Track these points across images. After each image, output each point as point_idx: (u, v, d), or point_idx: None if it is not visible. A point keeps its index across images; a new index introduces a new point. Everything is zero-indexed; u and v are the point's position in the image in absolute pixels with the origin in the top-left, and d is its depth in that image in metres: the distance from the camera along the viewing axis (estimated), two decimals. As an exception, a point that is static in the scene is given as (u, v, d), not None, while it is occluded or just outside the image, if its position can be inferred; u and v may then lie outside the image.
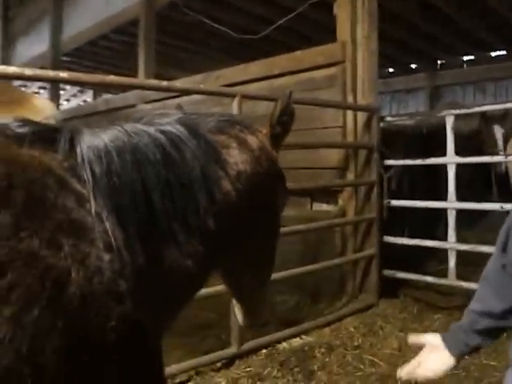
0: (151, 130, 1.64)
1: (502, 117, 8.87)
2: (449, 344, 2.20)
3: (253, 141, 1.99)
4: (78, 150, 1.45)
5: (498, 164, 8.58)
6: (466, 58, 13.13)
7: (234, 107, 4.57)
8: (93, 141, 1.49)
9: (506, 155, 6.23)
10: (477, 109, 6.97)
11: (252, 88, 6.75)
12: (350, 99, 6.14)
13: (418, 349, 2.28)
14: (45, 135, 1.45)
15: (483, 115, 8.67)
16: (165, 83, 4.42)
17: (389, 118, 7.00)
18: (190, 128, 1.74)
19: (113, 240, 1.35)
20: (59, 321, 1.20)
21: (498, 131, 8.79)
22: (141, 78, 9.66)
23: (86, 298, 1.25)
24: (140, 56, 10.55)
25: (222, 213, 1.75)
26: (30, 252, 1.20)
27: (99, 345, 1.28)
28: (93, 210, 1.35)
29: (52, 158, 1.40)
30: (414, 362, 2.22)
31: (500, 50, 12.19)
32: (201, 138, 1.74)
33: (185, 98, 7.71)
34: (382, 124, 6.43)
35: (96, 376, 1.31)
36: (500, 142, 8.68)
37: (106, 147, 1.49)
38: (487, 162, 8.06)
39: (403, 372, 2.22)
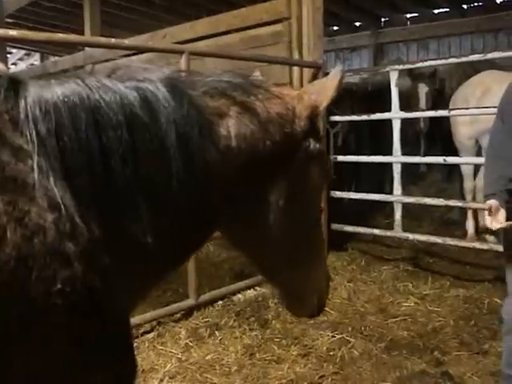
0: (120, 86, 1.44)
1: (430, 75, 9.07)
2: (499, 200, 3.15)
3: (268, 110, 1.70)
4: (22, 102, 1.30)
5: (420, 121, 8.81)
6: (409, 15, 13.24)
7: (182, 65, 4.58)
8: (41, 93, 1.34)
9: (450, 110, 6.40)
10: (419, 64, 7.11)
11: (199, 46, 6.74)
12: (295, 56, 6.19)
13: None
14: None
15: (411, 73, 8.83)
16: (113, 40, 4.43)
17: (334, 74, 7.09)
18: (174, 88, 1.52)
19: (59, 199, 1.24)
20: None
21: (423, 89, 8.98)
22: (87, 36, 9.48)
23: (26, 259, 1.17)
24: (85, 16, 10.30)
25: (207, 189, 1.58)
26: None
27: (44, 310, 1.20)
28: (35, 166, 1.24)
29: None
30: (488, 219, 3.18)
31: (443, 7, 12.33)
32: (184, 100, 1.52)
33: (133, 58, 7.65)
34: (327, 81, 6.50)
35: (43, 344, 1.23)
36: (423, 101, 8.88)
37: (56, 101, 1.33)
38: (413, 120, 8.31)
39: (486, 224, 3.26)
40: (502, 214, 3.12)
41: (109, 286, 1.31)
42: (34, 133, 1.26)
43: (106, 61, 8.26)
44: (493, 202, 3.16)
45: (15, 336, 1.18)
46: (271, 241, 1.84)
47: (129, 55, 7.32)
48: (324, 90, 1.81)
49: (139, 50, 5.92)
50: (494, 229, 3.21)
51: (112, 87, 1.43)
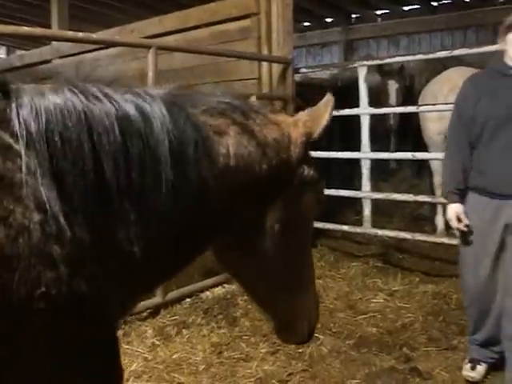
0: (117, 96, 1.46)
1: (399, 71, 9.12)
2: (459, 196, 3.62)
3: (265, 134, 1.75)
4: (13, 103, 1.30)
5: (390, 118, 8.86)
6: (379, 12, 13.31)
7: (150, 59, 4.52)
8: (33, 96, 1.34)
9: (418, 106, 6.44)
10: (388, 60, 7.13)
11: (167, 41, 6.68)
12: (264, 51, 6.16)
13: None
14: None
15: (380, 70, 8.86)
16: (80, 34, 4.35)
17: (303, 70, 7.09)
18: (172, 103, 1.55)
19: (46, 201, 1.22)
20: None
21: (393, 86, 9.03)
22: (54, 29, 9.35)
23: (10, 260, 1.16)
24: (53, 10, 10.15)
25: (202, 203, 1.58)
26: None
27: (27, 312, 1.19)
28: (23, 167, 1.22)
29: None
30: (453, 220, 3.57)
31: (413, 4, 12.41)
32: (181, 115, 1.54)
33: (102, 52, 7.56)
34: (297, 77, 6.50)
35: (28, 347, 1.22)
36: (393, 97, 8.92)
37: (48, 104, 1.33)
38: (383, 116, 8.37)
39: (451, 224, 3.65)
40: (463, 215, 3.55)
41: (96, 291, 1.29)
42: (24, 133, 1.25)
43: (74, 55, 8.15)
44: (457, 208, 3.58)
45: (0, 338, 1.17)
46: (263, 264, 1.86)
47: (97, 50, 7.21)
48: (317, 118, 1.87)
49: (106, 45, 5.85)
50: (459, 228, 3.58)
51: (110, 95, 1.44)
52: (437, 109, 5.83)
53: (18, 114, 1.28)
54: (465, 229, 3.56)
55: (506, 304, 3.60)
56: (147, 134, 1.44)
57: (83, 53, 7.77)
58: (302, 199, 1.89)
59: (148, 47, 4.58)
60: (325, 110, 1.88)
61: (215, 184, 1.58)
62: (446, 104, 5.25)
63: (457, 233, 3.87)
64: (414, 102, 7.13)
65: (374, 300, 5.10)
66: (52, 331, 1.23)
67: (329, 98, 1.93)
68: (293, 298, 2.00)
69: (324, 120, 1.86)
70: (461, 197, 3.62)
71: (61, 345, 1.26)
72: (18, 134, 1.25)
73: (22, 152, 1.23)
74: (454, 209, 3.59)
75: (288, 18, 6.17)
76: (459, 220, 3.56)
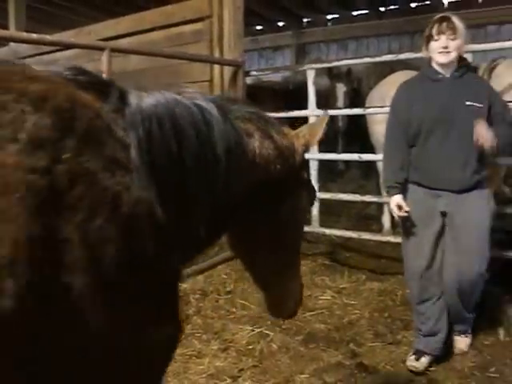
0: (186, 101, 1.74)
1: (346, 74, 9.30)
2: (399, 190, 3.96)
3: (280, 141, 2.11)
4: (126, 107, 1.58)
5: (338, 120, 9.05)
6: (330, 16, 13.48)
7: (104, 61, 4.55)
8: (140, 101, 1.62)
9: (365, 108, 6.61)
10: (336, 63, 7.30)
11: (123, 43, 6.69)
12: (216, 53, 6.24)
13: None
14: (98, 87, 1.59)
15: (329, 73, 9.02)
16: (35, 36, 4.33)
17: (254, 73, 7.21)
18: (219, 108, 1.83)
19: (147, 184, 1.51)
20: (115, 234, 1.36)
21: (341, 89, 9.20)
22: (11, 30, 9.19)
23: (133, 220, 1.42)
24: (10, 11, 9.96)
25: (236, 193, 1.92)
26: (92, 172, 1.34)
27: (139, 262, 1.45)
28: (134, 157, 1.50)
29: (101, 106, 1.52)
30: (394, 209, 3.90)
31: (361, 9, 12.63)
32: (227, 119, 1.85)
33: (58, 54, 7.48)
34: (249, 79, 6.61)
35: (135, 289, 1.46)
36: (341, 100, 9.10)
37: (150, 109, 1.61)
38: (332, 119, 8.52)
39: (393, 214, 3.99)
40: (403, 203, 3.87)
41: (169, 253, 1.58)
42: (133, 128, 1.54)
43: (30, 56, 8.05)
44: (397, 199, 3.90)
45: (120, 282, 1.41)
46: (265, 249, 2.23)
47: (53, 52, 7.16)
48: (313, 132, 2.29)
49: (61, 46, 5.83)
50: (401, 216, 3.90)
51: (182, 101, 1.73)
52: (383, 111, 5.97)
53: (131, 114, 1.57)
54: (406, 214, 3.86)
55: (446, 289, 4.08)
56: (209, 136, 1.75)
57: (40, 54, 7.69)
58: (300, 196, 2.28)
59: (102, 49, 4.60)
60: (320, 126, 2.31)
61: (246, 176, 1.94)
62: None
63: (399, 222, 4.16)
64: (362, 105, 7.29)
65: (322, 297, 5.24)
66: (143, 285, 1.48)
67: (323, 118, 2.39)
68: (286, 280, 2.41)
69: (319, 134, 2.28)
70: (401, 190, 3.95)
71: (138, 298, 1.49)
72: (130, 132, 1.53)
73: (132, 146, 1.51)
74: (395, 199, 3.91)
75: (239, 21, 6.26)
76: (400, 208, 3.86)
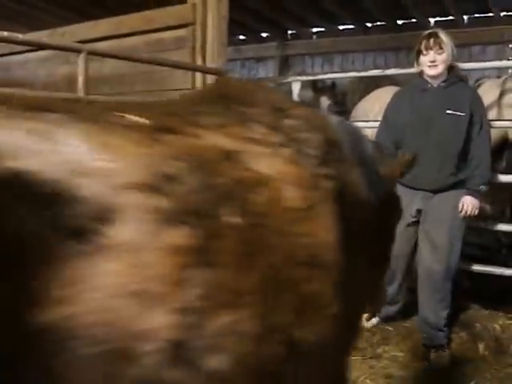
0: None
1: (330, 88, 9.26)
2: None
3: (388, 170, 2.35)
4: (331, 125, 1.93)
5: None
6: (315, 29, 13.42)
7: (80, 64, 4.39)
8: (336, 120, 2.03)
9: (350, 122, 6.55)
10: (320, 76, 7.23)
11: (100, 46, 6.51)
12: (198, 61, 6.10)
13: None
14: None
15: (314, 86, 8.97)
16: (5, 33, 4.13)
17: (238, 83, 7.08)
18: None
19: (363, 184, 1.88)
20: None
21: (325, 102, 9.16)
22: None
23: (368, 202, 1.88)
24: (-22, 9, 9.80)
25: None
26: (336, 175, 1.64)
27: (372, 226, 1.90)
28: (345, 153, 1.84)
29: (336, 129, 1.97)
30: None
31: (347, 23, 12.59)
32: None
33: (30, 55, 7.30)
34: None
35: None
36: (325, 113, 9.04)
37: (342, 125, 2.04)
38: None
39: None
40: None
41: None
42: (348, 149, 1.87)
43: (1, 56, 7.85)
44: None
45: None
46: None
47: (24, 52, 6.97)
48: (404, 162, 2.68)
49: (34, 46, 5.62)
50: None
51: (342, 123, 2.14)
52: (368, 125, 5.92)
53: (338, 130, 1.92)
54: None
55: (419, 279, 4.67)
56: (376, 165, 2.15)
57: (10, 54, 7.48)
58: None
59: (79, 51, 4.44)
60: (408, 162, 2.54)
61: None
62: (377, 121, 5.35)
63: None
64: (346, 119, 7.23)
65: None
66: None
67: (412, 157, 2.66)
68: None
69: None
70: None
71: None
72: (347, 152, 1.85)
73: (351, 160, 1.85)
74: None
75: (223, 29, 6.14)
76: None
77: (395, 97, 4.95)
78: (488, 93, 6.06)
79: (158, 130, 1.20)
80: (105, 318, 0.91)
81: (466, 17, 11.48)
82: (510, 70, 8.72)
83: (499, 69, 8.87)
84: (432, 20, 11.75)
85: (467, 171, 4.52)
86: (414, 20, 11.60)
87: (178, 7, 6.34)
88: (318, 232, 1.41)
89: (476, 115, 4.45)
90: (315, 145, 1.61)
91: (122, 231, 0.96)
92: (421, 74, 4.64)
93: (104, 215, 0.95)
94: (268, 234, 1.24)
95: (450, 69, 4.56)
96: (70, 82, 6.24)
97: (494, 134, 5.85)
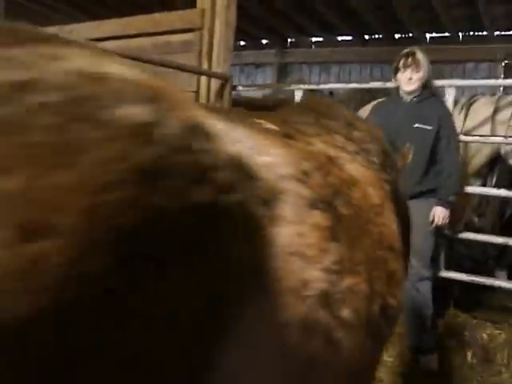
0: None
1: (329, 96, 9.42)
2: None
3: None
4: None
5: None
6: (314, 39, 13.59)
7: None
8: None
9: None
10: (322, 86, 7.41)
11: (108, 46, 6.62)
12: (204, 65, 6.25)
13: None
14: None
15: (313, 94, 9.11)
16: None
17: (240, 88, 7.26)
18: None
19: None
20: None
21: None
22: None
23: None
24: (-15, 3, 9.84)
25: None
26: (391, 179, 2.05)
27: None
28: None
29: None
30: None
31: (346, 34, 12.78)
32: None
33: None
34: (233, 93, 6.65)
35: None
36: None
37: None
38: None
39: None
40: None
41: None
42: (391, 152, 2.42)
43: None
44: None
45: None
46: None
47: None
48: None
49: None
50: None
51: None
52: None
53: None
54: None
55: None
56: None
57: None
58: None
59: (92, 51, 4.56)
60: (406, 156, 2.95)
61: None
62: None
63: None
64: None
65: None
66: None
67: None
68: None
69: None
70: None
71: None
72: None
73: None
74: None
75: (230, 36, 6.31)
76: None
77: (373, 109, 5.22)
78: (482, 109, 6.27)
79: (284, 135, 1.59)
80: (283, 267, 1.23)
81: (461, 34, 11.77)
82: (501, 88, 8.95)
83: (492, 87, 9.05)
84: (428, 35, 12.00)
85: (437, 182, 4.74)
86: (410, 34, 11.85)
87: (187, 12, 6.50)
88: (390, 224, 1.81)
89: (443, 129, 4.68)
90: (376, 154, 1.99)
91: (286, 208, 1.30)
92: (397, 88, 4.91)
93: (274, 194, 1.28)
94: (364, 222, 1.64)
95: (425, 85, 4.80)
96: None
97: (487, 149, 6.09)
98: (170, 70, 5.97)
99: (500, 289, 5.69)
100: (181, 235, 0.96)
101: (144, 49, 6.49)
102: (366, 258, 1.56)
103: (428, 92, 4.85)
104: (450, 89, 5.38)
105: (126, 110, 0.92)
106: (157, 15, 6.77)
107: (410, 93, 4.76)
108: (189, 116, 1.06)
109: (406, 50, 4.86)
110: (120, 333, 0.88)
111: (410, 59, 4.72)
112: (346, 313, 1.42)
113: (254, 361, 1.19)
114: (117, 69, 1.02)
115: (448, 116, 4.87)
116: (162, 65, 5.66)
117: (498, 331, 5.18)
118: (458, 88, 5.63)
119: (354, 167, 1.76)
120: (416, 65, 4.70)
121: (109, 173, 0.85)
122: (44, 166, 0.80)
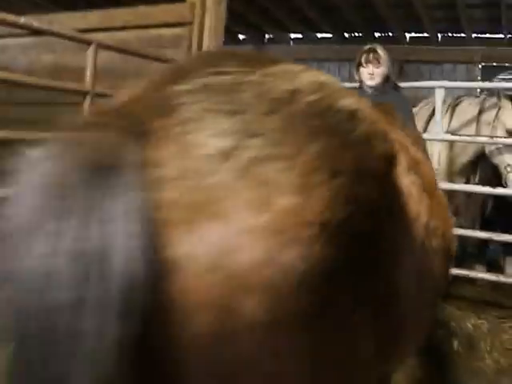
0: None
1: None
2: None
3: None
4: None
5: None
6: (293, 35, 13.59)
7: (89, 56, 4.44)
8: None
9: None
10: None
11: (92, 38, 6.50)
12: (194, 60, 6.18)
13: None
14: None
15: None
16: (23, 20, 4.12)
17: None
18: None
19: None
20: None
21: None
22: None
23: None
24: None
25: None
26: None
27: None
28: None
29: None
30: None
31: (326, 32, 12.78)
32: None
33: (10, 41, 7.14)
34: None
35: None
36: None
37: None
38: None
39: None
40: None
41: None
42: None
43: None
44: None
45: None
46: None
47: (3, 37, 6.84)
48: None
49: (40, 32, 5.36)
50: None
51: None
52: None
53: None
54: None
55: None
56: None
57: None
58: None
59: (88, 43, 4.50)
60: None
61: None
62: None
63: None
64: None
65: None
66: None
67: None
68: None
69: None
70: None
71: None
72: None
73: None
74: None
75: (220, 31, 6.28)
76: None
77: None
78: (467, 110, 6.43)
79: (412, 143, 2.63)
80: (408, 204, 1.93)
81: (440, 35, 11.97)
82: (478, 90, 9.13)
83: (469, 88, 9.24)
84: (408, 35, 12.14)
85: None
86: (390, 34, 11.96)
87: (177, 5, 6.45)
88: (440, 191, 2.69)
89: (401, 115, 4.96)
90: (422, 147, 2.96)
91: (407, 192, 1.94)
92: (361, 83, 5.09)
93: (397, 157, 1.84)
94: (434, 185, 2.53)
95: (386, 80, 4.99)
96: (54, 71, 6.19)
97: (472, 149, 6.23)
98: (158, 63, 5.92)
99: (480, 282, 6.40)
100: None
101: (130, 41, 6.39)
102: (437, 208, 2.30)
103: (388, 86, 5.04)
104: (439, 90, 5.50)
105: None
106: (143, 8, 6.68)
107: (371, 87, 4.95)
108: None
109: (367, 46, 5.04)
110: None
111: (371, 55, 4.89)
112: (435, 242, 2.16)
113: (409, 267, 1.81)
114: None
115: (406, 108, 5.08)
116: (150, 58, 5.61)
117: (481, 321, 5.58)
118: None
119: (419, 153, 2.57)
120: (378, 60, 4.88)
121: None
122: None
